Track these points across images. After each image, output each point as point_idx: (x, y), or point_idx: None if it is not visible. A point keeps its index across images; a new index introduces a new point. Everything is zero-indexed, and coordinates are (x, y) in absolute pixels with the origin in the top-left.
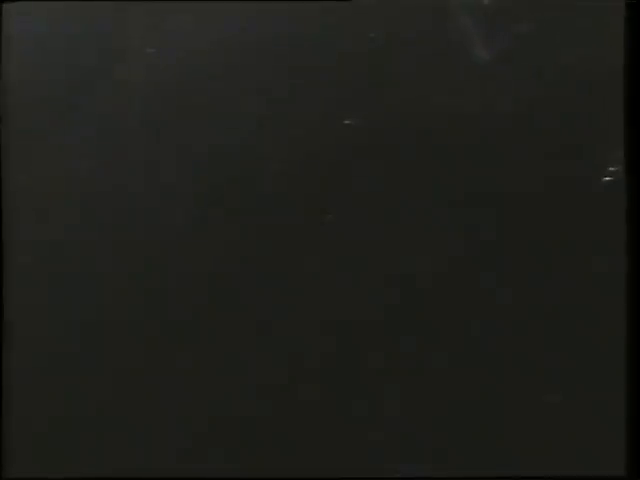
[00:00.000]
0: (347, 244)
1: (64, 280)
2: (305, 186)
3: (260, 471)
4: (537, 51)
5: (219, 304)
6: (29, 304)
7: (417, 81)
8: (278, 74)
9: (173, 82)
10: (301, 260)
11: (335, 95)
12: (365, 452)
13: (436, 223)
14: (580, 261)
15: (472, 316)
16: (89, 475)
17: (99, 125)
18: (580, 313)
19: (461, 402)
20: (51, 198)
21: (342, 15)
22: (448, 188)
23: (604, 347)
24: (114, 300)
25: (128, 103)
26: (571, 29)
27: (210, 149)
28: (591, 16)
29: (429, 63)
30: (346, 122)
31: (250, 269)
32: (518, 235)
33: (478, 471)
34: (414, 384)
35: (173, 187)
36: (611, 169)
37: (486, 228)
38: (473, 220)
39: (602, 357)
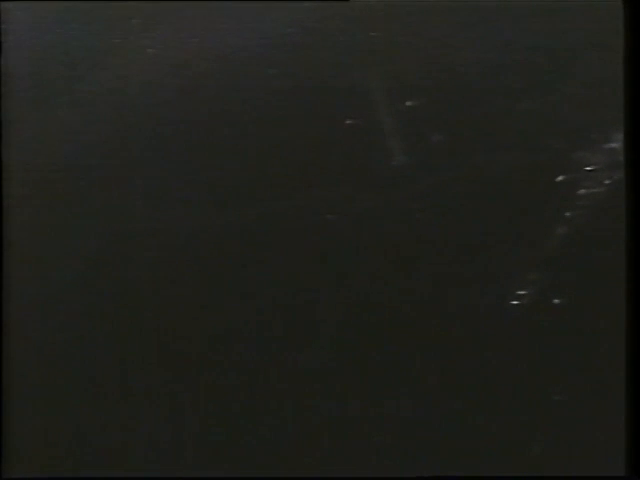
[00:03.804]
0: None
1: (63, 278)
2: (306, 185)
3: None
4: (458, 157)
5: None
6: (29, 304)
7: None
8: (278, 74)
9: (173, 83)
10: (302, 260)
11: None
12: (366, 452)
13: None
14: None
15: (472, 315)
16: (89, 475)
17: (98, 125)
18: (580, 312)
19: (460, 402)
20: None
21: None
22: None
23: (604, 347)
24: (115, 299)
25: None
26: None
27: (210, 149)
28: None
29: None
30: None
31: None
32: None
33: (478, 471)
34: (414, 383)
35: (173, 190)
36: (519, 293)
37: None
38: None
39: (602, 357)
